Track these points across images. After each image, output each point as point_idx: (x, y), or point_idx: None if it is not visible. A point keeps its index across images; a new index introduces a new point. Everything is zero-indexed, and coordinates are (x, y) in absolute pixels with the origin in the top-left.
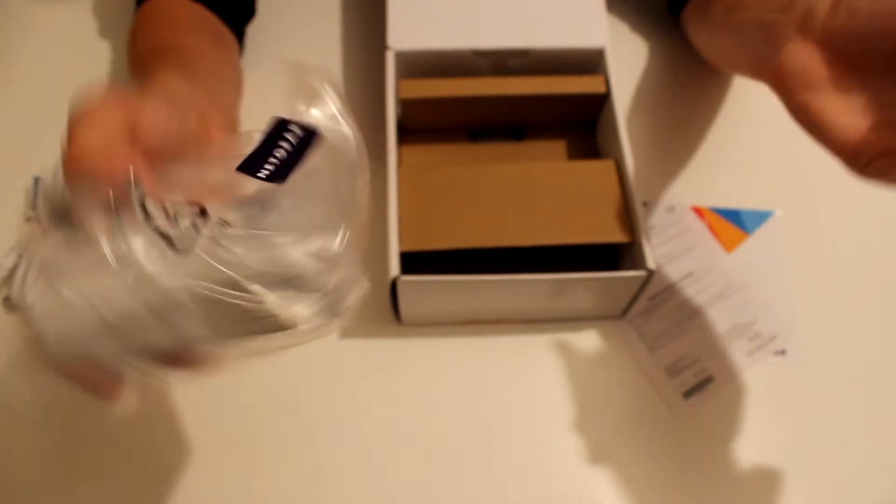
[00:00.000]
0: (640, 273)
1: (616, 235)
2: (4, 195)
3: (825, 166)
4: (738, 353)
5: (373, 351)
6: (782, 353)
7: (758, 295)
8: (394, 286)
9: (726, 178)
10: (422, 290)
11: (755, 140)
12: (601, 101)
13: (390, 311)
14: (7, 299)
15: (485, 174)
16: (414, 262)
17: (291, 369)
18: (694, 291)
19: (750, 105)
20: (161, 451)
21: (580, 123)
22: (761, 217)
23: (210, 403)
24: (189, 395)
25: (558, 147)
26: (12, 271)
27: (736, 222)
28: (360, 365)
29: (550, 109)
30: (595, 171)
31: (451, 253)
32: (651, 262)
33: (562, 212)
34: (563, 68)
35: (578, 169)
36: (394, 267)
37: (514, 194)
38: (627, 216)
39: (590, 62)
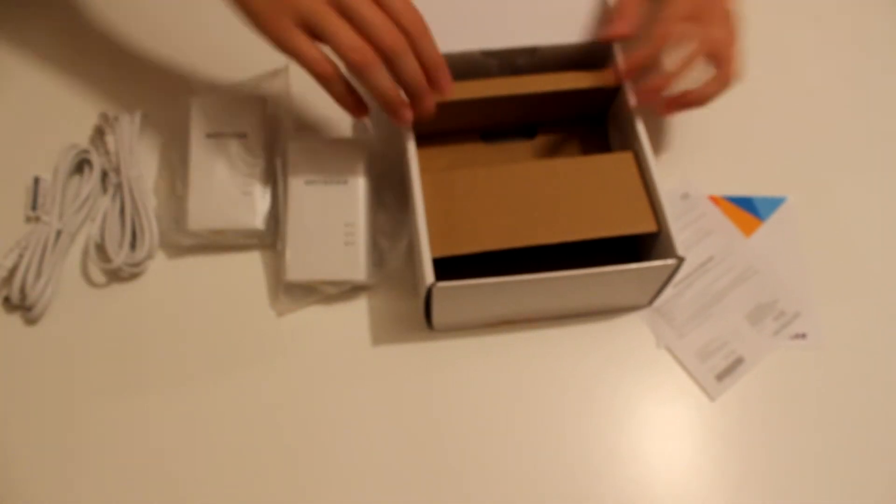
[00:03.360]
0: (671, 262)
1: (645, 226)
2: (4, 195)
3: (834, 151)
4: (763, 332)
5: (405, 356)
6: (803, 336)
7: (778, 275)
8: (427, 293)
9: (736, 165)
10: (456, 296)
11: (764, 127)
12: (613, 94)
13: (422, 320)
14: (7, 299)
15: (506, 174)
16: (439, 267)
17: (322, 376)
18: (716, 275)
19: (759, 92)
20: (191, 456)
21: (590, 117)
22: (774, 203)
23: (243, 406)
24: (221, 398)
25: (570, 142)
26: (12, 271)
27: (749, 209)
28: (393, 371)
29: (562, 105)
30: (614, 163)
31: (473, 256)
32: (680, 250)
33: (586, 206)
34: (571, 64)
35: (598, 163)
36: (428, 274)
37: (538, 192)
38: (652, 206)
39: (598, 56)
